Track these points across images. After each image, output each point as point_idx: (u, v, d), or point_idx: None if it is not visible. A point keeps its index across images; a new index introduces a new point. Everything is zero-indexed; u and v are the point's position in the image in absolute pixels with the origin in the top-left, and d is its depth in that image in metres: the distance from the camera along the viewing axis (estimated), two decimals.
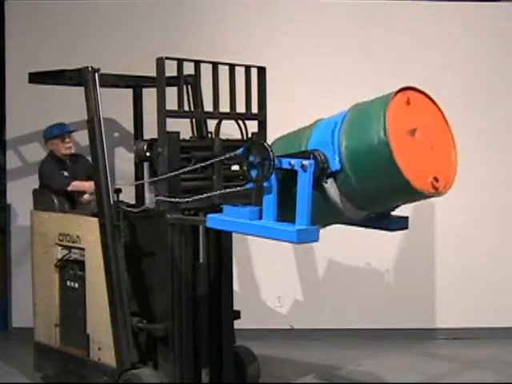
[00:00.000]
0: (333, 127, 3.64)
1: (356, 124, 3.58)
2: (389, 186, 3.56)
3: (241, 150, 3.78)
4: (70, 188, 5.21)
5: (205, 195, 4.18)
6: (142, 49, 6.13)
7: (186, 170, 4.25)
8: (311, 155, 3.55)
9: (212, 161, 4.27)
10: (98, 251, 4.59)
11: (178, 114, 4.34)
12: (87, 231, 4.75)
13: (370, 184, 3.60)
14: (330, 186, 3.62)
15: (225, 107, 4.50)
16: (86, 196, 5.16)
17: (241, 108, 4.59)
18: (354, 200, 3.68)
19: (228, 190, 4.07)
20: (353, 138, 3.55)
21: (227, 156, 4.09)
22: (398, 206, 3.97)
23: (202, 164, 4.27)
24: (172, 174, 4.22)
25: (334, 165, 3.56)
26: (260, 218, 3.71)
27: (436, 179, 3.62)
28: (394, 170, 3.44)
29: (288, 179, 3.61)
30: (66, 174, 5.36)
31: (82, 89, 4.60)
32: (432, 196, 3.62)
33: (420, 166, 3.58)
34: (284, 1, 6.44)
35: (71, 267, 4.94)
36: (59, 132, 5.39)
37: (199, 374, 4.58)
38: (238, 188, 3.92)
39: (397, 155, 3.42)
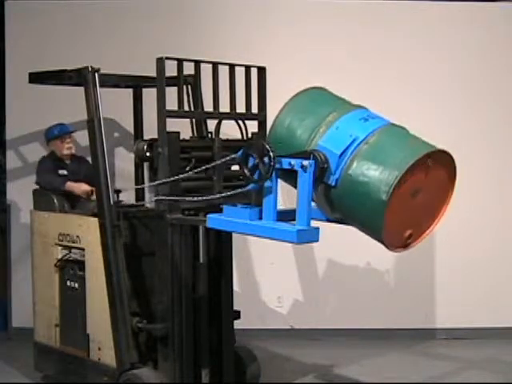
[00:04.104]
0: (350, 141, 3.56)
1: (370, 162, 3.50)
2: (366, 224, 3.63)
3: (240, 152, 3.77)
4: (63, 188, 5.22)
5: (208, 197, 4.15)
6: (141, 49, 6.13)
7: (186, 174, 4.23)
8: (311, 155, 3.54)
9: (214, 163, 4.23)
10: (98, 251, 4.58)
11: (178, 113, 4.33)
12: (87, 231, 4.75)
13: (353, 212, 3.64)
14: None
15: (225, 107, 4.50)
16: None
17: (241, 108, 4.58)
18: (333, 207, 3.71)
19: (230, 193, 4.03)
20: (358, 173, 3.51)
21: (228, 158, 4.07)
22: None
23: (206, 166, 4.23)
24: (174, 178, 4.19)
25: (331, 179, 3.56)
26: (260, 218, 3.71)
27: (410, 236, 3.66)
28: (378, 222, 3.48)
29: None
30: (65, 172, 5.37)
31: (81, 89, 4.60)
32: (395, 251, 3.71)
33: (403, 222, 3.61)
34: (284, 1, 6.44)
35: (71, 267, 4.94)
36: (59, 133, 5.40)
37: (199, 374, 4.58)
38: (240, 190, 3.90)
39: (387, 214, 3.44)
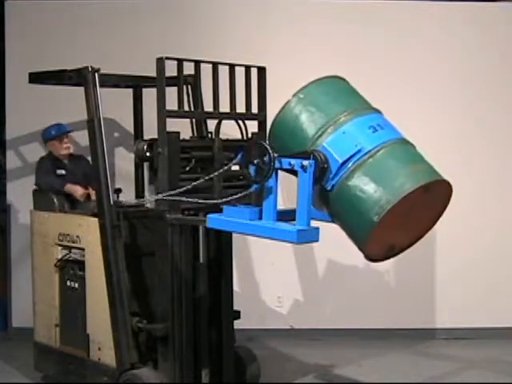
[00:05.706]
0: (355, 151, 3.54)
1: (369, 179, 3.50)
2: (352, 233, 3.65)
3: (240, 155, 3.77)
4: (62, 190, 5.21)
5: (209, 201, 4.14)
6: (141, 49, 6.13)
7: (198, 182, 4.20)
8: (311, 155, 3.54)
9: (217, 173, 4.19)
10: (98, 251, 4.58)
11: (178, 113, 4.33)
12: (87, 231, 4.74)
13: (342, 219, 3.67)
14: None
15: (225, 107, 4.50)
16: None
17: (241, 108, 4.58)
18: (323, 205, 3.72)
19: (234, 197, 4.00)
20: (356, 186, 3.51)
21: (230, 165, 4.05)
22: None
23: (209, 176, 4.20)
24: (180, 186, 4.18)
25: (328, 183, 3.57)
26: (260, 218, 3.71)
27: (392, 249, 3.69)
28: (364, 236, 3.50)
29: None
30: (63, 172, 5.37)
31: (81, 89, 4.60)
32: (374, 262, 3.73)
33: (388, 237, 3.62)
34: (284, 1, 6.44)
35: (71, 267, 4.94)
36: (57, 133, 5.39)
37: (199, 374, 4.58)
38: (242, 193, 3.90)
39: (374, 232, 3.45)
